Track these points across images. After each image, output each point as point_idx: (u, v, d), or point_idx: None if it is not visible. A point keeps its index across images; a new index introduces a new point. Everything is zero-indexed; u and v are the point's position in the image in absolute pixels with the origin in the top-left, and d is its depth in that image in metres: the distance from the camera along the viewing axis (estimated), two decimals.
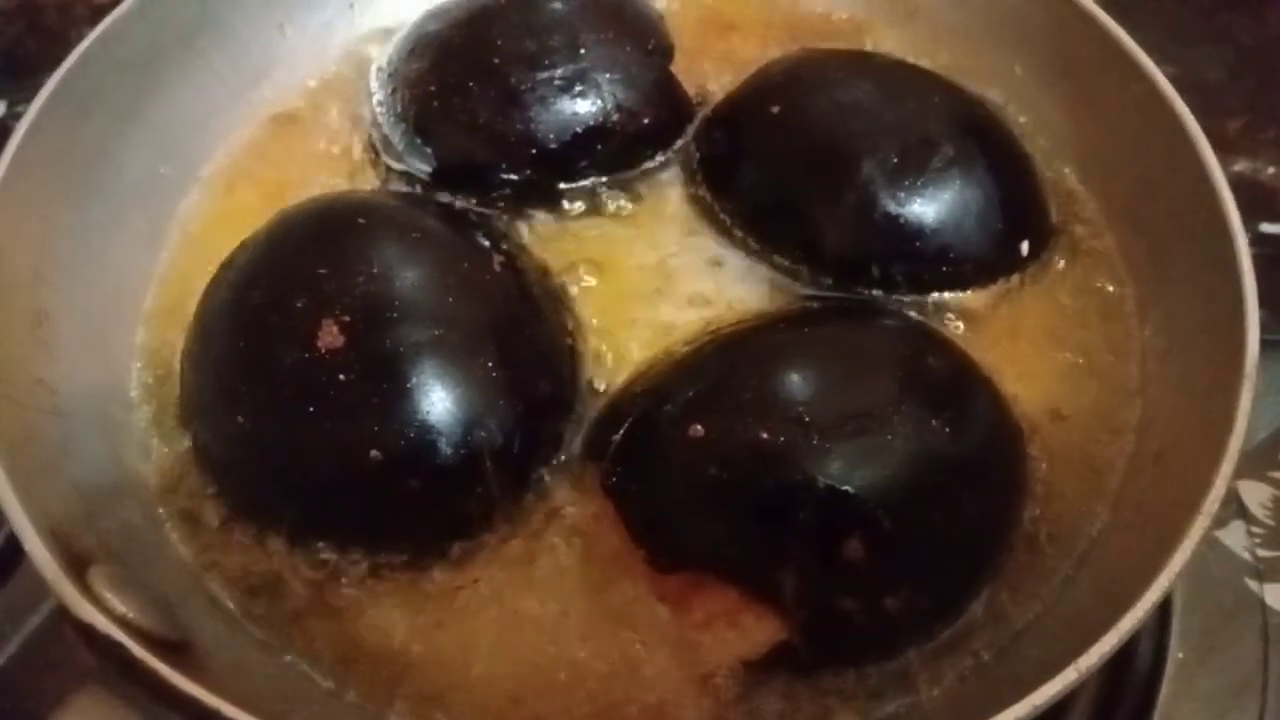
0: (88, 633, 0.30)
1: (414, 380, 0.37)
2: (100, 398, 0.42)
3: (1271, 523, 0.55)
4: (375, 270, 0.39)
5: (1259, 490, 0.56)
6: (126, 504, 0.39)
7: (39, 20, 0.78)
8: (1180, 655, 0.49)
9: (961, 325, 0.45)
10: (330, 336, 0.37)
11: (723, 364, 0.41)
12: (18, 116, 0.78)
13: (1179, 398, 0.42)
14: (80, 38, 0.80)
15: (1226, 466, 0.36)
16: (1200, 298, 0.43)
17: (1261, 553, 0.54)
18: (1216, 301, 0.41)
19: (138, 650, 0.30)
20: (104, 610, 0.31)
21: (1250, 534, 0.54)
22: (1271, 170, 0.75)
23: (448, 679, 0.36)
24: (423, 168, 0.49)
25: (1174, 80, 0.80)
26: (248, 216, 0.47)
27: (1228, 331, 0.39)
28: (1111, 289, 0.47)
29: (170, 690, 0.29)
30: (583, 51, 0.48)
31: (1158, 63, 0.80)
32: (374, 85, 0.51)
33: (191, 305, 0.44)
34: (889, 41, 0.56)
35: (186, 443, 0.41)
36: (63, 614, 0.31)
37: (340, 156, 0.51)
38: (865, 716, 0.36)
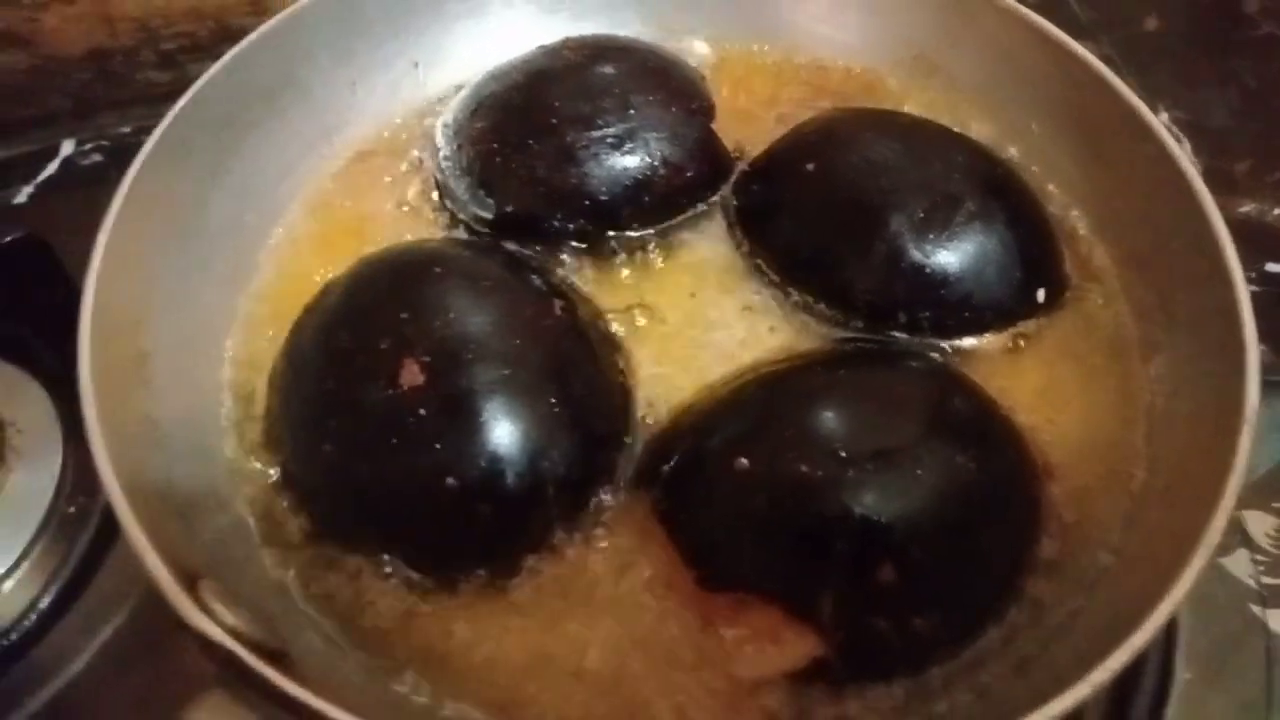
0: (204, 641, 0.34)
1: (486, 415, 0.41)
2: (194, 430, 0.46)
3: (1275, 551, 0.57)
4: (451, 315, 0.43)
5: (1263, 520, 0.59)
6: (223, 528, 0.43)
7: (108, 65, 0.82)
8: (1187, 676, 0.51)
9: (982, 366, 0.48)
10: (412, 375, 0.41)
11: (764, 402, 0.45)
12: (85, 154, 0.83)
13: (1184, 436, 0.45)
14: (146, 82, 0.85)
15: (1227, 502, 0.38)
16: (1204, 344, 0.45)
17: (1265, 579, 0.56)
18: (1219, 350, 0.43)
19: (249, 658, 0.33)
20: (217, 621, 0.34)
21: (1254, 561, 0.57)
22: (1277, 211, 0.78)
23: (523, 686, 0.40)
24: (484, 216, 0.53)
25: (1181, 124, 0.85)
26: (323, 261, 0.52)
27: (1230, 379, 0.42)
28: (1120, 333, 0.50)
29: (281, 694, 0.33)
30: (632, 112, 0.52)
31: (1166, 106, 0.85)
32: (439, 140, 0.56)
33: (271, 343, 0.48)
34: (912, 98, 0.60)
35: (274, 470, 0.45)
36: (180, 625, 0.35)
37: (407, 204, 0.56)
38: None
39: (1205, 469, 0.41)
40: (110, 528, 0.54)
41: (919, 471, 0.40)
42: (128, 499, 0.37)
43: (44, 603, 0.51)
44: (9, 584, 0.52)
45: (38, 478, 0.55)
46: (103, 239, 0.44)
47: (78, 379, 0.40)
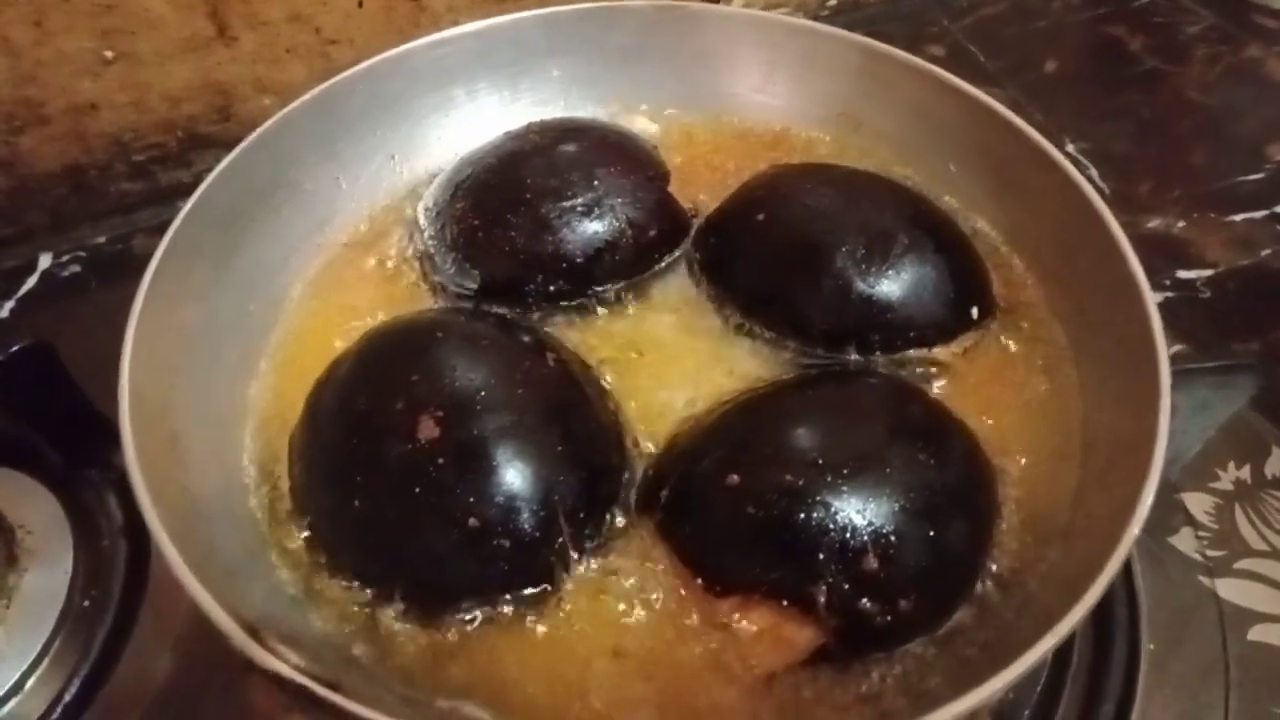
0: (279, 680, 0.38)
1: (500, 459, 0.45)
2: (228, 500, 0.49)
3: (1215, 526, 0.64)
4: (457, 372, 0.47)
5: (1201, 499, 0.65)
6: (263, 586, 0.46)
7: (82, 180, 0.85)
8: (1152, 647, 0.56)
9: (930, 378, 0.54)
10: (428, 429, 0.45)
11: (744, 425, 0.49)
12: (63, 266, 0.86)
13: (1113, 421, 0.50)
14: (119, 193, 0.88)
15: (1155, 472, 0.43)
16: (1118, 341, 0.51)
17: (1210, 553, 0.62)
18: (1133, 344, 0.49)
19: (320, 689, 0.37)
20: (285, 661, 0.38)
21: (1198, 538, 0.63)
22: (1181, 224, 0.85)
23: (553, 703, 0.44)
24: (470, 285, 0.58)
25: (1087, 154, 0.93)
26: (324, 341, 0.56)
27: (1144, 368, 0.47)
28: (1048, 338, 0.56)
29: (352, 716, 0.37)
30: (597, 183, 0.58)
31: (1071, 139, 0.93)
32: (423, 221, 0.61)
33: (284, 419, 0.52)
34: (840, 152, 0.67)
35: (303, 530, 0.49)
36: (252, 668, 0.38)
37: (396, 281, 0.61)
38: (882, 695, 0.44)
39: (1135, 450, 0.45)
40: (127, 618, 0.57)
41: (888, 470, 0.45)
42: (188, 564, 0.41)
43: (68, 696, 0.53)
44: (32, 681, 0.54)
45: (51, 576, 0.58)
46: (131, 331, 0.48)
47: (125, 459, 0.44)
